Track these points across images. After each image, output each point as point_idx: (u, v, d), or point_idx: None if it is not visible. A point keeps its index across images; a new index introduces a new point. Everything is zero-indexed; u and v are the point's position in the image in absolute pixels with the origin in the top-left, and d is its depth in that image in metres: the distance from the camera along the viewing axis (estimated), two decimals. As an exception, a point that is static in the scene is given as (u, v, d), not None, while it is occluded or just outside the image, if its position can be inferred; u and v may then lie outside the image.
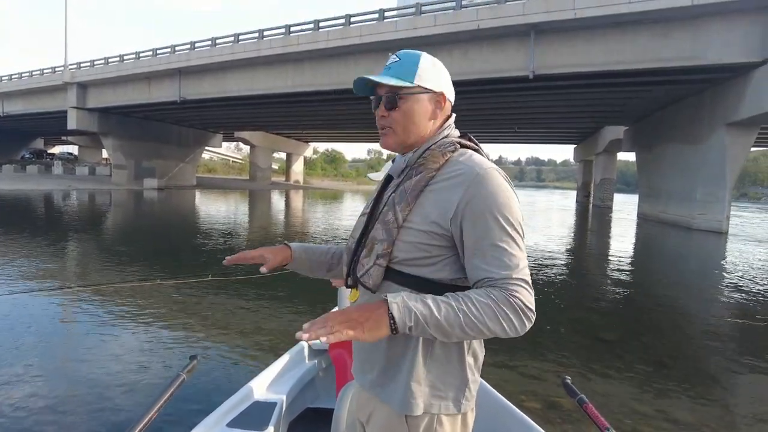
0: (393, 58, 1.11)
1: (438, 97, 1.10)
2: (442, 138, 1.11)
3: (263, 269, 1.26)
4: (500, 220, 0.96)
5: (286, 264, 1.32)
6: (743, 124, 16.85)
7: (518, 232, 0.97)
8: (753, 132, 17.39)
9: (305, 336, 0.82)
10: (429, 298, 0.91)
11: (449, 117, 1.15)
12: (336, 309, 2.88)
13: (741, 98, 16.16)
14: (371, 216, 1.13)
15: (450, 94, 1.13)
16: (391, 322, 0.88)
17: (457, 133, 1.14)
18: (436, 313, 0.89)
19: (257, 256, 1.28)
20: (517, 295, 0.92)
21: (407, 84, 1.06)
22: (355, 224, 1.20)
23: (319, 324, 0.85)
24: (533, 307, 0.93)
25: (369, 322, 0.88)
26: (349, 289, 1.16)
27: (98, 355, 3.99)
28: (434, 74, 1.09)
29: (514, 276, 0.93)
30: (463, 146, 1.09)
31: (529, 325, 0.94)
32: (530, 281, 0.96)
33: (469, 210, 0.97)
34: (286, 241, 1.34)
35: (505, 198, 0.98)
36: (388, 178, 1.18)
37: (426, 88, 1.08)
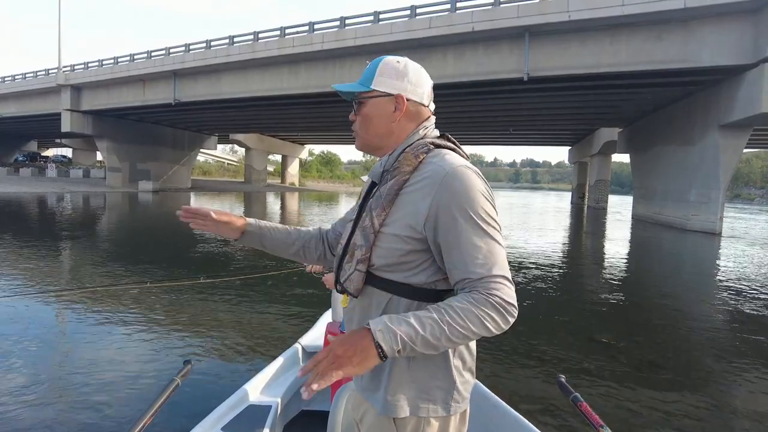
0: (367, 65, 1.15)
1: (396, 99, 1.09)
2: (417, 140, 1.10)
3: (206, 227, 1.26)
4: (473, 217, 0.95)
5: (237, 238, 1.30)
6: (736, 126, 16.98)
7: (492, 227, 0.97)
8: (746, 133, 17.52)
9: (307, 395, 0.84)
10: (411, 317, 0.91)
11: (427, 119, 1.14)
12: (329, 312, 2.88)
13: (733, 100, 16.29)
14: (356, 223, 1.13)
15: (417, 95, 1.11)
16: (379, 350, 0.88)
17: (435, 133, 1.14)
18: (421, 331, 0.89)
19: (208, 216, 1.25)
20: (496, 293, 0.92)
21: (363, 89, 1.10)
22: (343, 232, 1.21)
23: (312, 377, 0.86)
24: (514, 302, 0.93)
25: (356, 356, 0.87)
26: (336, 289, 1.17)
27: (90, 361, 3.96)
28: (394, 77, 1.09)
29: (492, 273, 0.93)
30: (438, 146, 1.08)
31: (512, 320, 0.94)
32: (509, 275, 0.95)
33: (441, 212, 0.97)
34: (243, 215, 1.33)
35: (475, 194, 0.97)
36: (373, 184, 1.17)
37: (381, 92, 1.09)
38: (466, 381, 1.07)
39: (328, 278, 2.25)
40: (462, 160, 1.03)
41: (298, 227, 1.36)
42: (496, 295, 0.92)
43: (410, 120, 1.12)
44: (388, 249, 1.02)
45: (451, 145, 1.11)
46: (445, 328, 0.89)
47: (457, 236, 0.95)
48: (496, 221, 0.98)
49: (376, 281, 1.04)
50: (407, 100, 1.10)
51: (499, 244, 0.97)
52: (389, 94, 1.09)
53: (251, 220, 1.31)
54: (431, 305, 0.94)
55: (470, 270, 0.94)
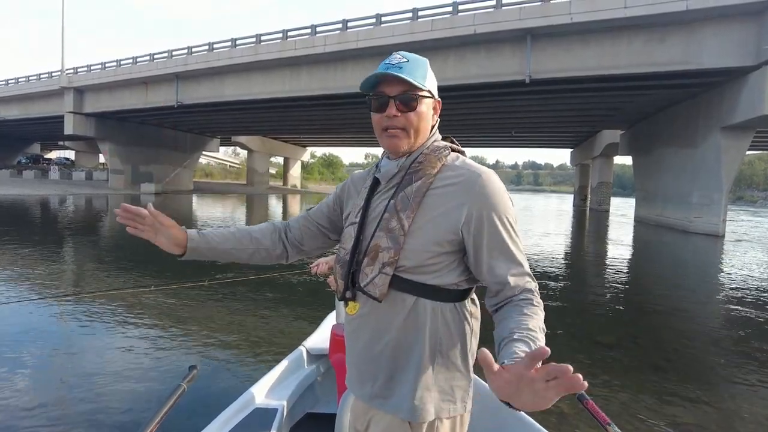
0: (400, 57, 1.07)
1: (435, 104, 1.13)
2: (433, 142, 1.13)
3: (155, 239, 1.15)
4: (506, 221, 1.02)
5: (181, 254, 1.18)
6: (738, 128, 16.95)
7: (517, 231, 1.05)
8: (748, 135, 17.50)
9: None
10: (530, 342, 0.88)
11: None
12: (334, 314, 2.88)
13: (736, 102, 16.27)
14: (362, 224, 1.10)
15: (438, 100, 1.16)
16: None
17: (440, 137, 1.17)
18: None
19: (146, 219, 1.12)
20: (534, 295, 1.01)
21: (424, 86, 1.07)
22: (343, 235, 1.17)
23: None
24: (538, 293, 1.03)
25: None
26: (343, 299, 1.12)
27: (95, 367, 3.96)
28: (434, 80, 1.13)
29: (526, 272, 1.02)
30: (453, 150, 1.13)
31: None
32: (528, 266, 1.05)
33: (480, 215, 1.01)
34: (185, 228, 1.19)
35: (506, 199, 1.04)
36: (374, 184, 1.15)
37: (432, 93, 1.10)
38: (474, 378, 1.12)
39: (333, 279, 2.24)
40: (484, 166, 1.08)
41: (250, 227, 1.27)
42: (534, 293, 1.01)
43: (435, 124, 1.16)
44: (417, 251, 1.01)
45: (459, 148, 1.15)
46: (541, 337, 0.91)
47: (495, 239, 1.01)
48: (517, 224, 1.06)
49: (401, 284, 1.02)
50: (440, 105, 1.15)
51: (522, 246, 1.06)
52: (434, 97, 1.12)
53: (192, 233, 1.18)
54: (516, 334, 0.89)
55: (509, 271, 1.01)
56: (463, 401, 1.05)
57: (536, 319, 0.94)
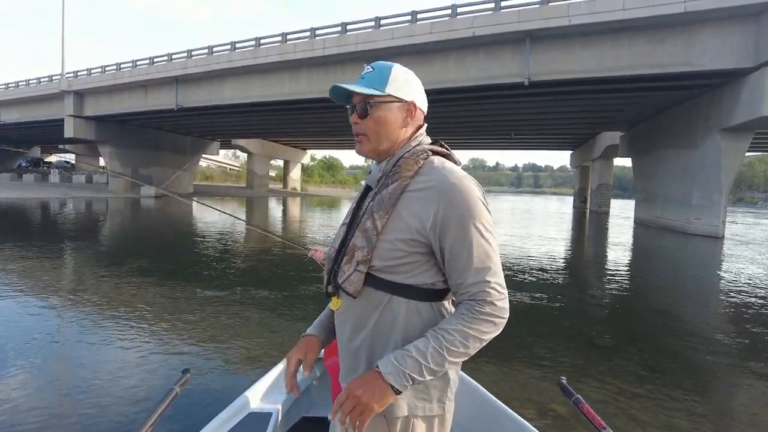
0: (367, 69, 1.15)
1: (408, 106, 1.13)
2: (415, 146, 1.14)
3: (306, 372, 1.28)
4: (473, 227, 1.01)
5: (322, 350, 1.31)
6: (738, 130, 16.96)
7: (490, 234, 1.03)
8: (747, 137, 17.50)
9: None
10: (413, 350, 0.98)
11: (421, 126, 1.18)
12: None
13: (735, 104, 16.28)
14: (351, 225, 1.15)
15: (421, 103, 1.16)
16: (393, 388, 0.98)
17: (428, 140, 1.18)
18: (425, 363, 0.97)
19: (294, 368, 1.28)
20: (488, 300, 1.00)
21: (378, 92, 1.10)
22: (335, 235, 1.22)
23: (342, 418, 0.99)
24: (505, 305, 1.01)
25: (376, 398, 0.98)
26: (326, 293, 1.18)
27: (87, 370, 3.95)
28: (405, 84, 1.13)
29: (485, 279, 1.00)
30: (434, 153, 1.13)
31: (502, 324, 1.02)
32: (501, 280, 1.02)
33: (445, 219, 1.02)
34: (305, 333, 1.32)
35: (476, 204, 1.03)
36: (368, 188, 1.20)
37: (396, 97, 1.11)
38: (456, 379, 1.11)
39: None
40: (461, 170, 1.09)
41: None
42: (485, 306, 0.99)
43: (413, 127, 1.16)
44: (389, 251, 1.04)
45: (445, 152, 1.15)
46: (445, 353, 0.98)
47: (459, 243, 1.01)
48: (491, 229, 1.04)
49: (376, 282, 1.06)
50: (417, 108, 1.15)
51: (494, 250, 1.03)
52: (402, 101, 1.12)
53: (314, 333, 1.30)
54: (429, 331, 1.01)
55: (466, 275, 1.00)
56: (440, 401, 1.07)
57: (461, 327, 0.98)
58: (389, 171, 1.12)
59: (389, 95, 1.11)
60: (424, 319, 1.06)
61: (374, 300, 1.07)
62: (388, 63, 1.15)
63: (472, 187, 1.04)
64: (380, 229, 1.05)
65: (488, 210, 1.05)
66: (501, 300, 1.01)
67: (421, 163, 1.09)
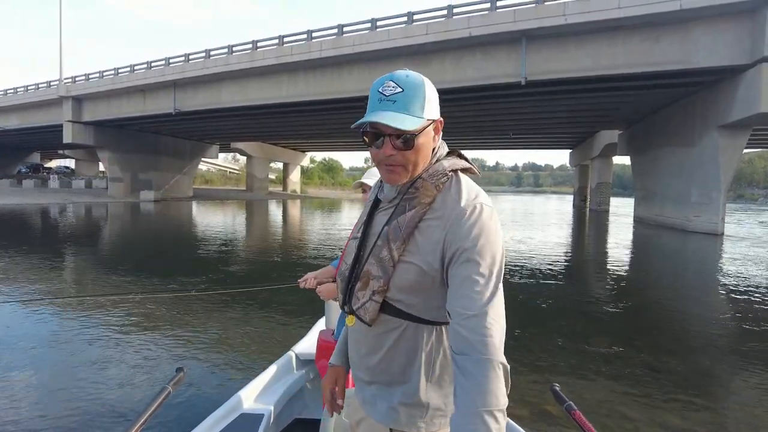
0: (393, 87, 0.99)
1: (437, 123, 1.06)
2: (435, 162, 1.07)
3: (339, 400, 1.30)
4: (480, 263, 0.94)
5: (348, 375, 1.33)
6: (735, 126, 16.95)
7: (495, 266, 0.96)
8: (745, 134, 17.49)
9: None
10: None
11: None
12: (323, 320, 2.87)
13: (732, 100, 16.28)
14: (363, 242, 1.12)
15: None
16: None
17: (445, 149, 1.11)
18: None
19: (330, 396, 1.30)
20: (477, 348, 0.91)
21: (423, 125, 1.00)
22: (346, 247, 1.19)
23: None
24: (498, 343, 0.92)
25: None
26: (342, 310, 1.19)
27: (81, 369, 3.95)
28: (434, 100, 1.04)
29: (481, 311, 0.92)
30: (453, 170, 1.06)
31: (504, 364, 0.92)
32: (500, 311, 0.94)
33: (455, 251, 0.96)
34: (330, 363, 1.34)
35: (488, 239, 0.96)
36: (377, 201, 1.16)
37: (432, 120, 1.03)
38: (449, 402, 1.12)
39: (322, 289, 2.23)
40: (476, 195, 1.02)
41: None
42: (478, 349, 0.90)
43: (437, 141, 1.09)
44: (406, 280, 1.01)
45: (465, 164, 1.09)
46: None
47: (461, 272, 0.95)
48: (500, 262, 0.97)
49: (391, 309, 1.04)
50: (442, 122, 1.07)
51: (495, 285, 0.95)
52: (434, 120, 1.04)
53: (337, 363, 1.32)
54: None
55: (466, 305, 0.93)
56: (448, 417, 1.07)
57: (473, 390, 0.88)
58: (405, 192, 1.06)
59: (428, 120, 1.01)
60: (441, 340, 1.06)
61: (390, 326, 1.05)
62: (416, 78, 1.01)
63: (486, 218, 0.98)
64: (397, 260, 1.02)
65: (499, 240, 0.98)
66: (495, 336, 0.92)
67: (441, 187, 1.03)
